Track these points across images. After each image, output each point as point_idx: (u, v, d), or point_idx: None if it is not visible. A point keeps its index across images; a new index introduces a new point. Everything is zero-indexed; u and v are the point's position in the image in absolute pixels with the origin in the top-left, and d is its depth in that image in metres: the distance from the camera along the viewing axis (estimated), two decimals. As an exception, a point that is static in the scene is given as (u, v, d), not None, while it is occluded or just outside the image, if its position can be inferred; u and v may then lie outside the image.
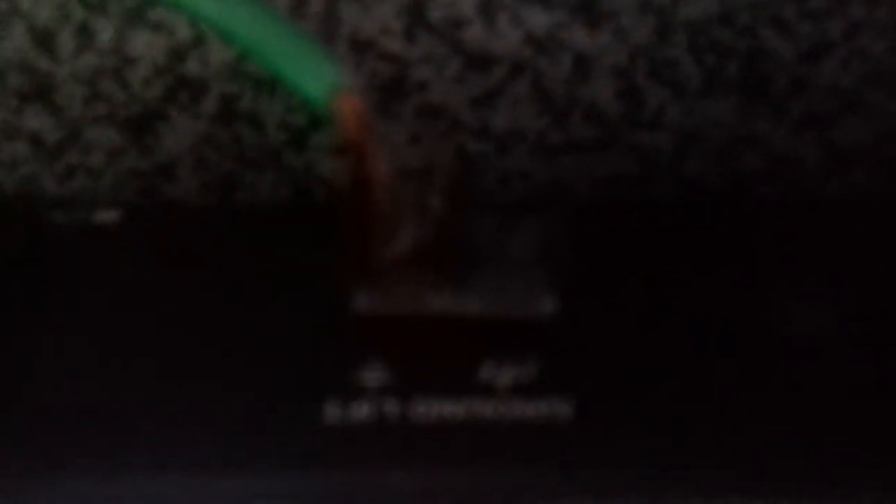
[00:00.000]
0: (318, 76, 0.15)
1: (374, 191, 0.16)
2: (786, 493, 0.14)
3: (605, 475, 0.15)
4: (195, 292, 0.19)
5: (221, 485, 0.14)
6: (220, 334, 0.17)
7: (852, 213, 0.22)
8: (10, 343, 0.17)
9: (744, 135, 0.23)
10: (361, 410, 0.15)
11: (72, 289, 0.19)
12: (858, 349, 0.17)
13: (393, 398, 0.16)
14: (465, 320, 0.17)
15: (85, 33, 0.22)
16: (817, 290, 0.19)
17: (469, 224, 0.19)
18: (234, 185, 0.24)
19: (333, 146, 0.23)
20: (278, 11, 0.21)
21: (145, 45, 0.22)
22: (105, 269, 0.20)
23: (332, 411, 0.15)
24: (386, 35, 0.22)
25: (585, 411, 0.15)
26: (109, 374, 0.17)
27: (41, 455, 0.15)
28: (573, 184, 0.24)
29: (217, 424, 0.15)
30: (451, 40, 0.22)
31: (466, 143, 0.23)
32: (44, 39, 0.22)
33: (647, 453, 0.15)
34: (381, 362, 0.16)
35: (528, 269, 0.18)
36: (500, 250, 0.19)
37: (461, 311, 0.17)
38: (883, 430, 0.15)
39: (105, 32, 0.22)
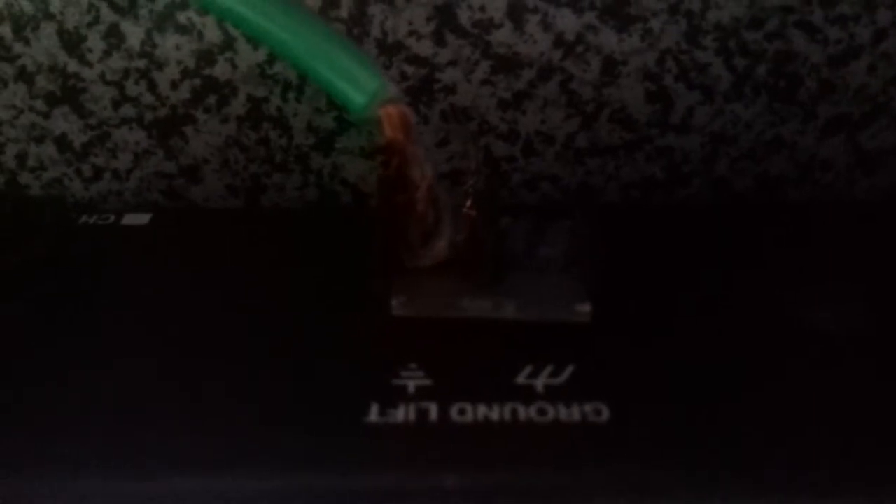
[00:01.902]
0: (362, 84, 0.15)
1: (414, 197, 0.16)
2: (819, 490, 0.14)
3: (641, 475, 0.15)
4: (229, 296, 0.19)
5: (267, 483, 0.14)
6: (258, 337, 0.17)
7: (879, 214, 0.22)
8: (40, 342, 0.17)
9: (772, 137, 0.23)
10: (403, 413, 0.15)
11: (104, 290, 0.19)
12: (891, 348, 0.17)
13: (433, 402, 0.16)
14: (503, 326, 0.17)
15: (114, 36, 0.22)
16: (848, 290, 0.19)
17: (502, 229, 0.19)
18: (261, 187, 0.24)
19: (374, 153, 0.23)
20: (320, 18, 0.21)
21: (174, 49, 0.22)
22: (139, 271, 0.20)
23: (374, 414, 0.15)
24: (415, 38, 0.22)
25: (621, 413, 0.15)
26: (150, 374, 0.17)
27: (75, 449, 0.15)
28: (601, 186, 0.24)
29: (260, 425, 0.15)
30: (480, 43, 0.22)
31: (494, 146, 0.23)
32: (73, 42, 0.23)
33: (681, 453, 0.15)
34: (422, 367, 0.16)
35: (563, 275, 0.18)
36: (535, 255, 0.19)
37: (499, 316, 0.17)
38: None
39: (134, 35, 0.22)
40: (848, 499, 0.14)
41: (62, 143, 0.24)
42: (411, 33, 0.22)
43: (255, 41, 0.22)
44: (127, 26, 0.22)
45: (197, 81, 0.23)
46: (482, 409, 0.16)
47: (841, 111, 0.23)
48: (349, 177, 0.24)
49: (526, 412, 0.16)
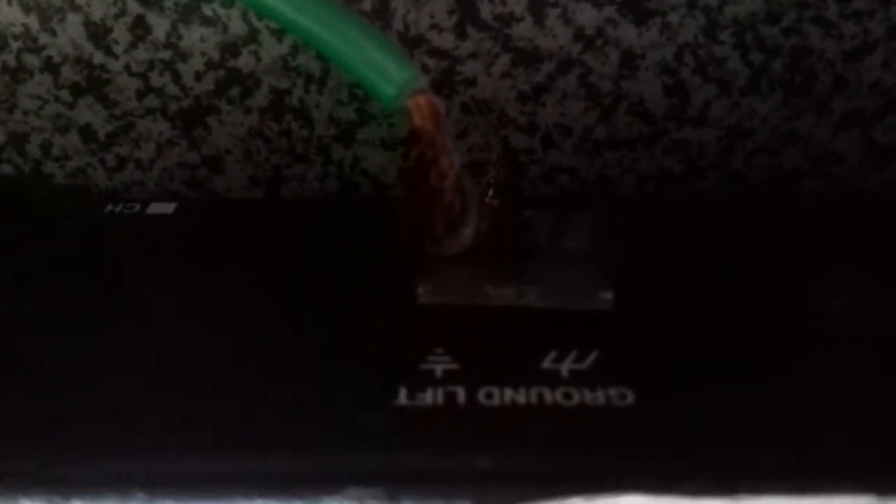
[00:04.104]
0: (391, 74, 0.16)
1: (442, 187, 0.17)
2: (845, 476, 0.15)
3: (665, 459, 0.15)
4: (256, 284, 0.19)
5: (297, 465, 0.15)
6: (285, 324, 0.18)
7: (892, 207, 0.22)
8: (70, 329, 0.18)
9: (787, 131, 0.23)
10: (431, 396, 0.16)
11: (134, 278, 0.19)
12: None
13: (461, 385, 0.16)
14: (527, 313, 0.18)
15: (140, 28, 0.23)
16: (861, 282, 0.19)
17: (525, 219, 0.19)
18: (282, 178, 0.25)
19: (397, 144, 0.23)
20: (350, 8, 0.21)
21: (199, 40, 0.23)
22: (167, 259, 0.20)
23: (403, 397, 0.16)
24: (437, 31, 0.22)
25: (646, 398, 0.16)
26: (176, 359, 0.17)
27: (107, 434, 0.15)
28: (618, 179, 0.24)
29: (290, 409, 0.16)
30: (500, 36, 0.22)
31: (513, 138, 0.24)
32: (99, 33, 0.23)
33: (704, 438, 0.15)
34: (449, 352, 0.17)
35: (585, 264, 0.19)
36: (557, 245, 0.19)
37: (523, 303, 0.18)
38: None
39: (160, 27, 0.23)
40: (878, 481, 0.14)
41: (86, 132, 0.24)
42: (433, 26, 0.22)
43: (281, 32, 0.22)
44: (153, 18, 0.23)
45: (221, 73, 0.23)
46: (509, 393, 0.16)
47: (855, 106, 0.23)
48: (370, 168, 0.24)
49: (552, 396, 0.16)
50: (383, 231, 0.19)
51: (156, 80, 0.23)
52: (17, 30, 0.23)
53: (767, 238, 0.21)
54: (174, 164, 0.25)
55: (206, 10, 0.22)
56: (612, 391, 0.16)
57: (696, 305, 0.18)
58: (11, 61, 0.23)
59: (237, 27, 0.23)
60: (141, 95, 0.24)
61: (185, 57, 0.23)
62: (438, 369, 0.16)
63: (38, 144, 0.25)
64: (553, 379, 0.16)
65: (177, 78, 0.23)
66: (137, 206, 0.22)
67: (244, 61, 0.23)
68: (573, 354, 0.17)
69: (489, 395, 0.16)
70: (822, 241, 0.20)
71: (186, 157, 0.24)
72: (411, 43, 0.22)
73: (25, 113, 0.24)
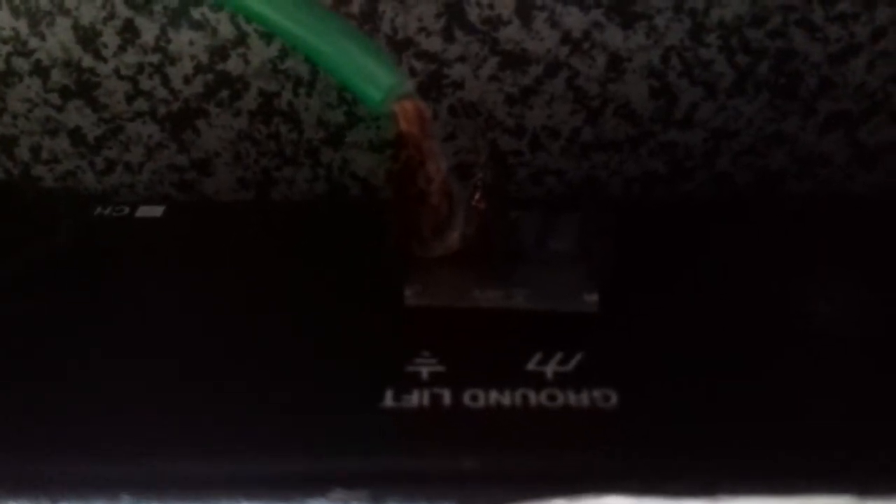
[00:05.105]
0: (378, 79, 0.16)
1: (429, 190, 0.17)
2: (831, 474, 0.15)
3: (648, 460, 0.15)
4: (244, 287, 0.19)
5: (285, 467, 0.15)
6: (273, 327, 0.18)
7: (876, 209, 0.22)
8: (59, 332, 0.18)
9: (773, 133, 0.23)
10: (417, 398, 0.16)
11: (123, 281, 0.20)
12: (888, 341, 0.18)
13: (447, 387, 0.16)
14: (513, 315, 0.18)
15: (129, 31, 0.23)
16: (847, 283, 0.19)
17: (512, 221, 0.19)
18: (271, 181, 0.25)
19: (385, 147, 0.23)
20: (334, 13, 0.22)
21: (188, 44, 0.23)
22: (155, 262, 0.20)
23: (389, 399, 0.16)
24: (424, 34, 0.22)
25: (629, 399, 0.16)
26: (167, 364, 0.17)
27: (100, 435, 0.15)
28: (605, 181, 0.24)
29: (278, 412, 0.16)
30: (488, 40, 0.22)
31: (501, 141, 0.24)
32: (88, 37, 0.23)
33: (687, 439, 0.15)
34: (435, 354, 0.17)
35: (571, 266, 0.19)
36: (544, 248, 0.19)
37: (508, 306, 0.18)
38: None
39: (148, 31, 0.23)
40: (857, 482, 0.15)
41: (76, 136, 0.24)
42: (420, 30, 0.22)
43: (270, 35, 0.22)
44: (142, 22, 0.23)
45: (210, 76, 0.23)
46: (494, 395, 0.16)
47: (840, 108, 0.23)
48: (359, 171, 0.24)
49: (536, 398, 0.16)
50: (372, 233, 0.19)
51: (145, 83, 0.23)
52: (7, 33, 0.23)
53: (753, 239, 0.21)
54: (163, 167, 0.25)
55: (195, 14, 0.22)
56: (596, 393, 0.16)
57: (680, 307, 0.18)
58: (1, 65, 0.23)
59: (226, 31, 0.23)
60: (130, 99, 0.24)
61: (173, 60, 0.23)
62: (424, 371, 0.17)
63: (27, 148, 0.25)
64: (538, 381, 0.16)
65: (166, 81, 0.23)
66: (127, 209, 0.22)
67: (233, 64, 0.23)
68: (558, 356, 0.17)
69: (474, 397, 0.16)
70: (808, 242, 0.21)
71: (175, 159, 0.25)
72: (399, 46, 0.23)
73: (15, 116, 0.24)
